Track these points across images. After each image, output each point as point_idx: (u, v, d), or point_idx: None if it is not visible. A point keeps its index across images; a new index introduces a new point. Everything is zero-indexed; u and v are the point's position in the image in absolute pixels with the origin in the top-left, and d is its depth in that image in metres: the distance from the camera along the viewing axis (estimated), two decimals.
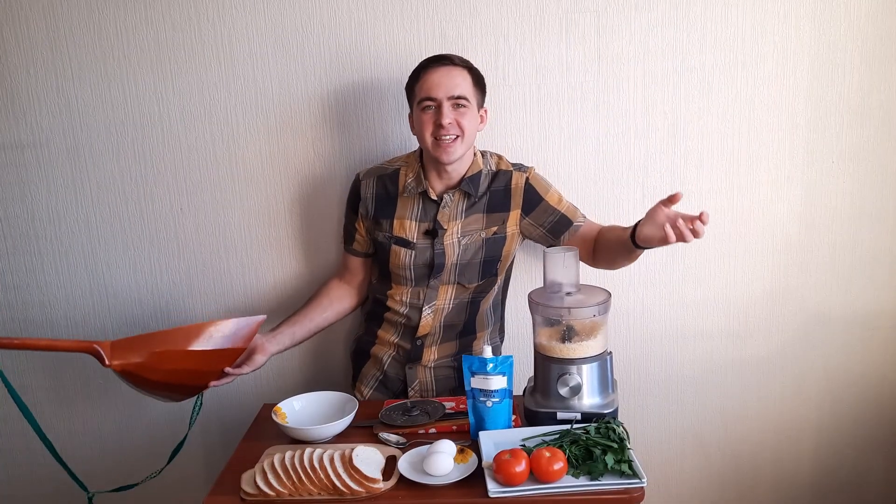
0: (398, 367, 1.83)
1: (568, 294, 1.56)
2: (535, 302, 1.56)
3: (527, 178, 1.74)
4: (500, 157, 1.78)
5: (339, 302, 1.87)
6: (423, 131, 1.64)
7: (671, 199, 1.49)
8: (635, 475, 1.32)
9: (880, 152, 1.95)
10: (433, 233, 1.72)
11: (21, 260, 2.04)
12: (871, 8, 1.86)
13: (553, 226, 1.75)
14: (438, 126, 1.61)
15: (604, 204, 1.96)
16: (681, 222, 1.45)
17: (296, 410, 1.62)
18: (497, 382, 1.47)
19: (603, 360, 1.53)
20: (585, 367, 1.51)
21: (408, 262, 1.73)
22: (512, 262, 1.86)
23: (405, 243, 1.73)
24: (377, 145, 1.94)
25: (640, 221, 1.55)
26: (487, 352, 1.50)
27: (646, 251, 1.60)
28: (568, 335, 1.53)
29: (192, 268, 2.02)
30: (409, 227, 1.73)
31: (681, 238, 1.45)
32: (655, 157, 1.94)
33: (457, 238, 1.72)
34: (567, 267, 1.56)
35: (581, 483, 1.31)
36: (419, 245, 1.73)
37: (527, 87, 1.90)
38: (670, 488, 2.16)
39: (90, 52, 1.90)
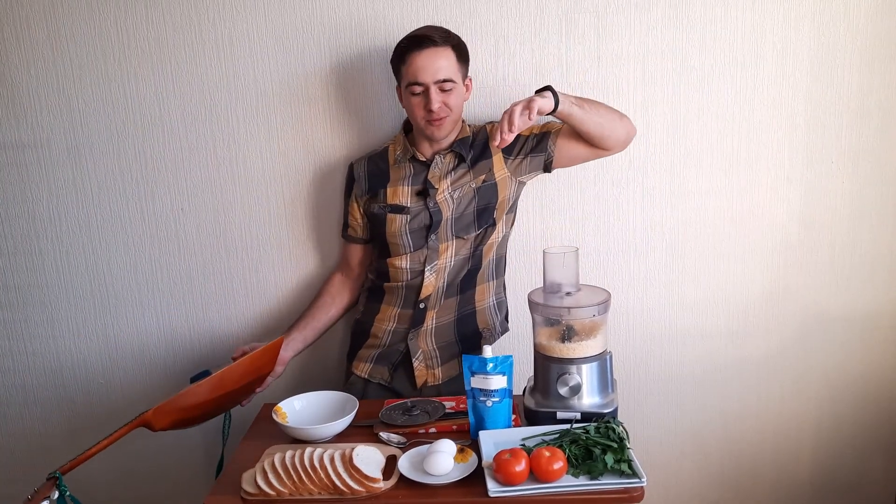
0: (398, 338, 1.83)
1: (568, 294, 1.56)
2: (534, 302, 1.56)
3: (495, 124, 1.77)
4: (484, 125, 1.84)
5: (340, 297, 1.93)
6: (414, 113, 1.71)
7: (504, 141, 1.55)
8: (635, 475, 1.32)
9: (880, 152, 1.95)
10: (424, 193, 1.76)
11: (22, 260, 2.04)
12: (871, 8, 1.86)
13: (535, 146, 1.77)
14: (428, 110, 1.67)
15: (604, 204, 1.97)
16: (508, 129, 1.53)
17: (296, 410, 1.62)
18: (497, 382, 1.47)
19: (603, 360, 1.54)
20: (585, 367, 1.51)
21: (402, 226, 1.77)
22: (514, 212, 1.87)
23: (399, 209, 1.78)
24: (377, 144, 1.94)
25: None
26: (487, 351, 1.50)
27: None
28: (568, 335, 1.53)
29: (192, 268, 2.02)
30: (402, 192, 1.78)
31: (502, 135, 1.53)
32: (655, 157, 1.94)
33: (448, 193, 1.76)
34: (567, 267, 1.56)
35: (581, 482, 1.31)
36: (413, 208, 1.77)
37: (527, 87, 1.90)
38: (670, 488, 2.16)
39: (91, 52, 1.90)
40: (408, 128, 1.83)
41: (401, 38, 1.70)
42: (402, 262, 1.79)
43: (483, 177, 1.78)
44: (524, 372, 1.68)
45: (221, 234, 2.00)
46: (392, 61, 1.74)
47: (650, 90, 1.90)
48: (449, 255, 1.78)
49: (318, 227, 2.00)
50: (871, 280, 2.02)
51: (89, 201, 2.00)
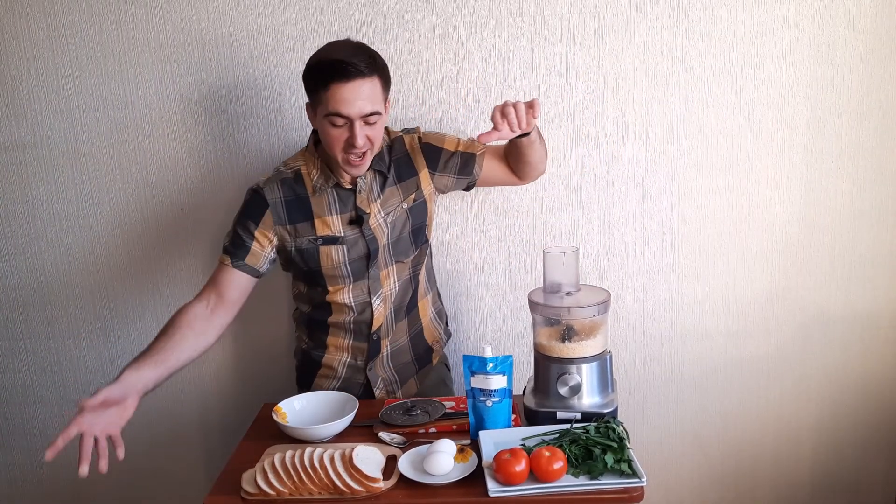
0: (356, 372, 1.78)
1: (568, 294, 1.56)
2: (534, 302, 1.56)
3: (419, 138, 1.73)
4: (386, 129, 1.72)
5: (205, 336, 1.59)
6: (332, 145, 1.56)
7: (489, 141, 1.53)
8: (635, 474, 1.32)
9: (880, 152, 1.95)
10: (358, 220, 1.67)
11: (22, 260, 2.04)
12: (871, 8, 1.86)
13: (461, 168, 1.73)
14: (351, 144, 1.54)
15: (604, 204, 1.97)
16: (500, 116, 1.49)
17: (296, 410, 1.62)
18: (497, 382, 1.47)
19: (602, 360, 1.54)
20: (585, 367, 1.51)
21: (341, 258, 1.67)
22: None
23: (333, 240, 1.66)
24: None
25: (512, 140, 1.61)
26: (488, 351, 1.50)
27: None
28: (568, 335, 1.53)
29: (192, 268, 2.02)
30: (332, 222, 1.66)
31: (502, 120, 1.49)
32: (655, 157, 1.94)
33: (381, 218, 1.68)
34: (567, 267, 1.56)
35: (581, 482, 1.31)
36: (348, 237, 1.67)
37: (527, 87, 1.90)
38: (670, 488, 2.16)
39: (91, 52, 1.90)
40: (316, 145, 1.67)
41: (318, 52, 1.55)
42: (345, 297, 1.69)
43: (413, 195, 1.71)
44: (524, 372, 1.68)
45: (222, 233, 1.99)
46: (306, 79, 1.56)
47: (650, 90, 1.91)
48: (391, 281, 1.72)
49: None
50: (871, 280, 2.02)
51: (89, 201, 2.00)
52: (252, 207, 1.66)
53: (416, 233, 1.74)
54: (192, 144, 1.95)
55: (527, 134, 1.56)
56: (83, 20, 1.89)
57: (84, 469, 1.29)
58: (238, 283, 1.65)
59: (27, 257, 2.04)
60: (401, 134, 1.74)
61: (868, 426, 2.12)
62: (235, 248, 1.65)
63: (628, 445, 1.38)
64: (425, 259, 1.81)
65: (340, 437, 1.54)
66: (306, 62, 1.56)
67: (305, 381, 1.83)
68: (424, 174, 1.72)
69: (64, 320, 2.07)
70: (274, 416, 1.57)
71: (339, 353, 1.78)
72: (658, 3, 1.86)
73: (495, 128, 1.50)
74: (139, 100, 1.93)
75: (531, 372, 1.62)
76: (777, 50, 1.89)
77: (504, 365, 1.47)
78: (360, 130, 1.53)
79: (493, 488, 1.30)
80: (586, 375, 1.51)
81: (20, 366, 2.11)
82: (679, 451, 2.13)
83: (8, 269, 2.05)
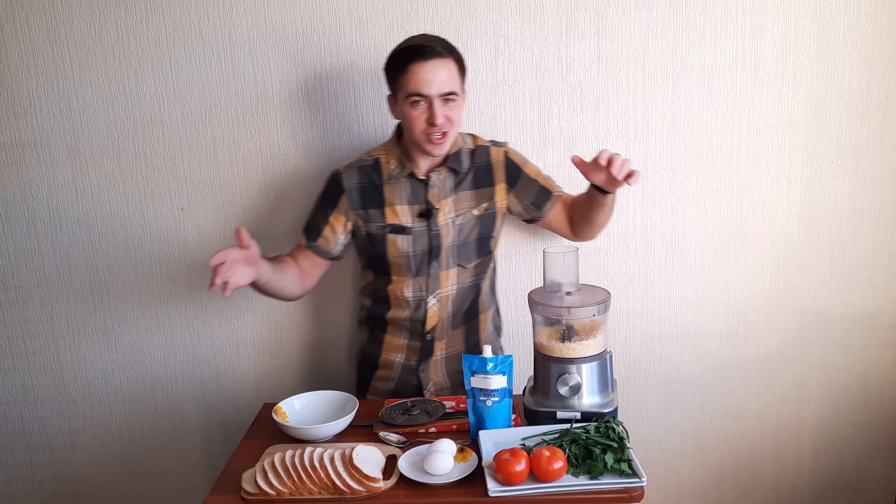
0: (410, 373, 1.81)
1: (568, 294, 1.56)
2: (534, 301, 1.57)
3: (505, 153, 1.76)
4: (473, 136, 1.79)
5: (300, 283, 1.74)
6: (413, 126, 1.62)
7: (580, 167, 1.57)
8: (635, 474, 1.32)
9: (880, 152, 1.95)
10: (427, 214, 1.71)
11: (22, 259, 2.04)
12: (871, 8, 1.86)
13: (535, 198, 1.77)
14: (431, 124, 1.60)
15: None
16: (607, 164, 1.52)
17: (296, 410, 1.62)
18: (497, 382, 1.47)
19: (602, 360, 1.54)
20: (585, 367, 1.51)
21: (406, 248, 1.72)
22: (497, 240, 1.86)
23: (401, 229, 1.71)
24: (377, 144, 1.94)
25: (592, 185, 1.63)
26: (487, 351, 1.50)
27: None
28: (568, 335, 1.53)
29: (192, 268, 2.02)
30: (401, 212, 1.72)
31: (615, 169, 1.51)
32: (655, 157, 1.95)
33: (451, 218, 1.72)
34: (567, 267, 1.56)
35: (581, 482, 1.31)
36: (416, 229, 1.71)
37: (527, 86, 1.90)
38: (670, 488, 2.16)
39: (91, 52, 1.90)
40: (399, 137, 1.75)
41: (397, 46, 1.63)
42: (405, 291, 1.74)
43: (485, 204, 1.74)
44: (524, 372, 1.68)
45: (221, 234, 2.00)
46: (387, 70, 1.65)
47: (650, 90, 1.91)
48: (450, 283, 1.75)
49: None
50: (870, 280, 2.02)
51: (89, 201, 2.00)
52: (329, 193, 1.75)
53: (482, 242, 1.76)
54: (192, 144, 1.95)
55: (608, 193, 1.60)
56: (83, 20, 1.89)
57: (215, 286, 1.45)
58: (312, 260, 1.77)
59: (28, 256, 2.04)
60: (488, 144, 1.77)
61: (868, 426, 2.12)
62: (310, 230, 1.76)
63: (628, 445, 1.38)
64: (489, 272, 1.82)
65: (340, 437, 1.54)
66: (386, 58, 1.64)
67: (364, 382, 1.86)
68: (501, 188, 1.75)
69: (64, 320, 2.07)
70: (274, 416, 1.57)
71: (394, 353, 1.81)
72: (658, 3, 1.86)
73: (595, 161, 1.53)
74: (139, 100, 1.93)
75: (531, 372, 1.62)
76: (777, 50, 1.89)
77: (504, 365, 1.47)
78: (440, 109, 1.59)
79: (493, 488, 1.30)
80: (586, 375, 1.51)
81: (20, 366, 2.11)
82: (679, 451, 2.13)
83: (8, 269, 2.05)
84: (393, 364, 1.82)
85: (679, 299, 2.03)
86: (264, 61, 1.90)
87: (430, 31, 1.87)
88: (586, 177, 1.60)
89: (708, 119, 1.92)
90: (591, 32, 1.88)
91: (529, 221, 1.83)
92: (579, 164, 1.57)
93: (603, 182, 1.58)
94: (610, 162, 1.51)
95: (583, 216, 1.75)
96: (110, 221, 2.01)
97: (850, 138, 1.94)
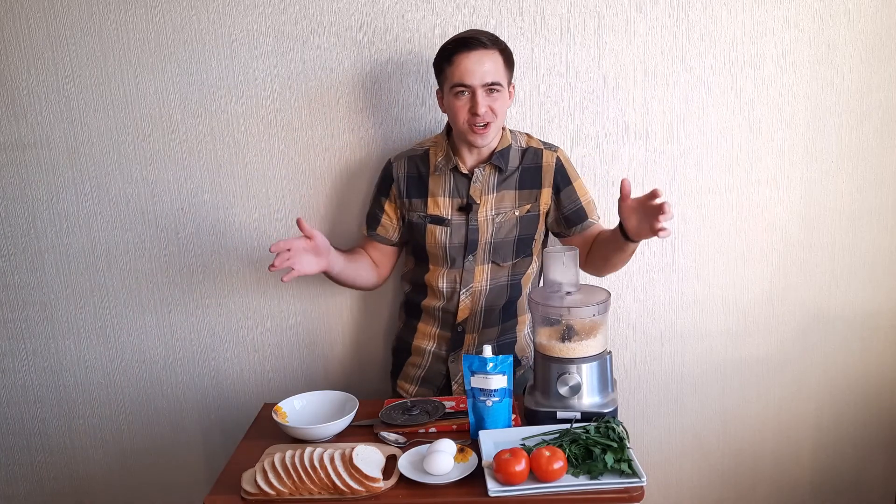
0: (439, 362, 1.82)
1: (568, 294, 1.56)
2: (535, 301, 1.57)
3: (557, 158, 1.75)
4: (528, 136, 1.79)
5: (374, 272, 1.84)
6: (457, 116, 1.64)
7: (623, 192, 1.53)
8: (635, 474, 1.32)
9: (879, 152, 1.95)
10: (467, 208, 1.72)
11: (22, 259, 2.04)
12: (871, 8, 1.86)
13: (572, 214, 1.77)
14: (473, 114, 1.61)
15: (604, 204, 1.96)
16: (650, 207, 1.48)
17: (296, 410, 1.62)
18: (497, 382, 1.47)
19: (602, 360, 1.54)
20: (585, 367, 1.51)
21: (444, 239, 1.73)
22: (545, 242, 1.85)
23: (440, 220, 1.74)
24: (377, 144, 1.94)
25: (621, 223, 1.59)
26: (487, 351, 1.50)
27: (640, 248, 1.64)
28: (568, 335, 1.53)
29: (192, 268, 2.02)
30: (442, 203, 1.74)
31: (665, 219, 1.47)
32: (655, 157, 1.95)
33: (491, 215, 1.72)
34: (567, 267, 1.56)
35: (581, 482, 1.31)
36: (454, 221, 1.73)
37: (527, 86, 1.90)
38: (670, 488, 2.16)
39: (91, 52, 1.90)
40: (448, 132, 1.77)
41: (446, 41, 1.65)
42: (440, 281, 1.76)
43: (529, 206, 1.74)
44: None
45: (221, 234, 2.00)
46: (435, 63, 1.68)
47: (650, 90, 1.91)
48: (484, 278, 1.75)
49: (319, 227, 2.00)
50: (870, 280, 2.02)
51: (89, 201, 2.00)
52: (382, 181, 1.81)
53: (522, 242, 1.76)
54: (192, 144, 1.95)
55: (633, 240, 1.58)
56: (83, 20, 1.88)
57: (276, 268, 1.56)
58: (380, 249, 1.85)
59: (28, 256, 2.03)
60: (542, 147, 1.76)
61: (868, 426, 2.12)
62: (370, 219, 1.84)
63: (628, 445, 1.38)
64: (530, 273, 1.80)
65: (340, 437, 1.55)
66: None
67: (397, 367, 1.89)
68: (547, 191, 1.75)
69: (64, 320, 2.07)
70: (274, 416, 1.57)
71: (426, 341, 1.83)
72: (658, 3, 1.86)
73: (650, 196, 1.48)
74: (139, 100, 1.93)
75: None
76: (777, 50, 1.89)
77: (504, 365, 1.47)
78: (483, 100, 1.61)
79: (493, 488, 1.30)
80: (586, 375, 1.51)
81: (20, 366, 2.11)
82: (679, 451, 2.13)
83: (8, 269, 2.05)
84: (424, 352, 1.83)
85: (679, 299, 2.03)
86: (264, 61, 1.90)
87: (429, 31, 1.87)
88: (621, 212, 1.55)
89: (708, 119, 1.92)
90: (591, 32, 1.88)
91: (557, 234, 1.82)
92: (626, 193, 1.53)
93: (633, 226, 1.54)
94: (662, 210, 1.45)
95: (601, 252, 1.73)
96: (110, 221, 2.01)
97: (850, 138, 1.94)
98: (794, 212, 1.98)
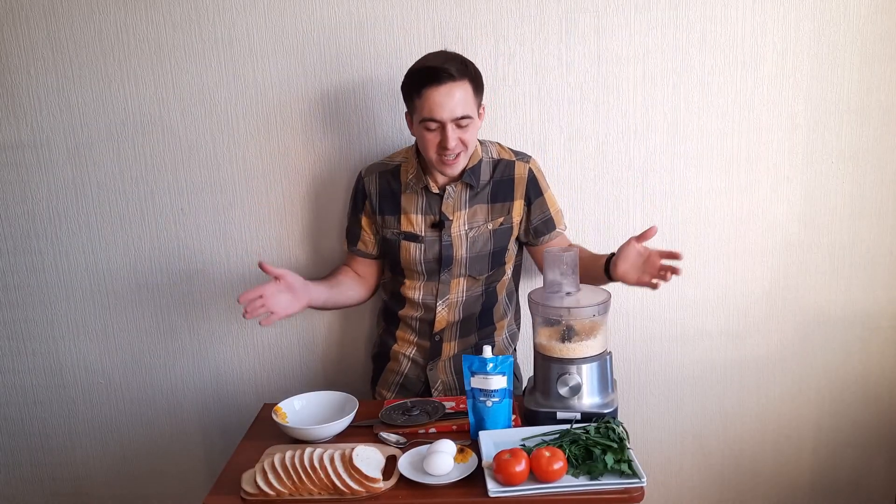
0: (418, 369, 1.82)
1: (568, 294, 1.56)
2: (535, 302, 1.56)
3: (530, 169, 1.75)
4: (499, 146, 1.78)
5: (361, 288, 1.86)
6: (427, 148, 1.62)
7: (644, 235, 1.54)
8: (635, 475, 1.32)
9: (880, 152, 1.95)
10: (440, 224, 1.72)
11: (21, 259, 2.04)
12: (871, 8, 1.86)
13: (541, 225, 1.77)
14: (444, 147, 1.60)
15: (604, 204, 1.97)
16: (656, 262, 1.51)
17: (296, 410, 1.62)
18: (497, 382, 1.47)
19: (602, 360, 1.54)
20: (585, 367, 1.51)
21: (418, 256, 1.73)
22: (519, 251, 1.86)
23: (414, 237, 1.73)
24: (377, 144, 1.94)
25: (614, 254, 1.60)
26: (487, 352, 1.50)
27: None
28: (568, 335, 1.53)
29: (192, 268, 2.02)
30: (415, 220, 1.74)
31: (662, 279, 1.51)
32: (655, 157, 1.94)
33: (464, 230, 1.72)
34: (567, 267, 1.56)
35: (581, 483, 1.31)
36: (427, 238, 1.73)
37: (527, 87, 1.90)
38: (670, 488, 2.16)
39: (90, 52, 1.90)
40: (419, 151, 1.74)
41: (413, 65, 1.62)
42: (416, 294, 1.77)
43: (501, 219, 1.74)
44: (524, 372, 1.68)
45: (221, 234, 2.00)
46: (404, 89, 1.64)
47: (650, 90, 1.90)
48: (460, 290, 1.76)
49: (318, 227, 2.00)
50: (870, 280, 2.02)
51: (89, 201, 2.00)
52: (356, 195, 1.82)
53: (496, 255, 1.76)
54: (192, 144, 1.95)
55: (614, 279, 1.61)
56: (83, 20, 1.88)
57: (250, 316, 1.58)
58: (362, 262, 1.86)
59: (27, 257, 2.04)
60: (514, 159, 1.75)
61: (868, 426, 2.12)
62: (350, 235, 1.85)
63: (628, 445, 1.38)
64: (505, 280, 1.82)
65: (340, 437, 1.54)
66: (404, 75, 1.63)
67: (377, 373, 1.90)
68: (519, 203, 1.75)
69: (64, 320, 2.07)
70: (274, 417, 1.57)
71: (405, 348, 1.83)
72: (658, 3, 1.86)
73: (669, 254, 1.52)
74: (139, 100, 1.93)
75: (531, 372, 1.62)
76: (777, 50, 1.89)
77: (504, 365, 1.47)
78: (453, 133, 1.59)
79: (493, 488, 1.30)
80: (586, 375, 1.51)
81: (20, 366, 2.11)
82: (679, 451, 2.13)
83: (8, 269, 2.05)
84: (402, 359, 1.83)
85: (679, 299, 2.03)
86: (264, 61, 1.90)
87: (429, 32, 1.87)
88: (626, 249, 1.57)
89: (708, 119, 1.92)
90: (591, 33, 1.87)
91: (522, 243, 1.83)
92: (646, 237, 1.54)
93: (624, 268, 1.56)
94: (673, 269, 1.49)
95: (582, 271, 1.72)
96: (110, 221, 2.01)
97: (850, 138, 1.94)
98: (793, 212, 1.98)
